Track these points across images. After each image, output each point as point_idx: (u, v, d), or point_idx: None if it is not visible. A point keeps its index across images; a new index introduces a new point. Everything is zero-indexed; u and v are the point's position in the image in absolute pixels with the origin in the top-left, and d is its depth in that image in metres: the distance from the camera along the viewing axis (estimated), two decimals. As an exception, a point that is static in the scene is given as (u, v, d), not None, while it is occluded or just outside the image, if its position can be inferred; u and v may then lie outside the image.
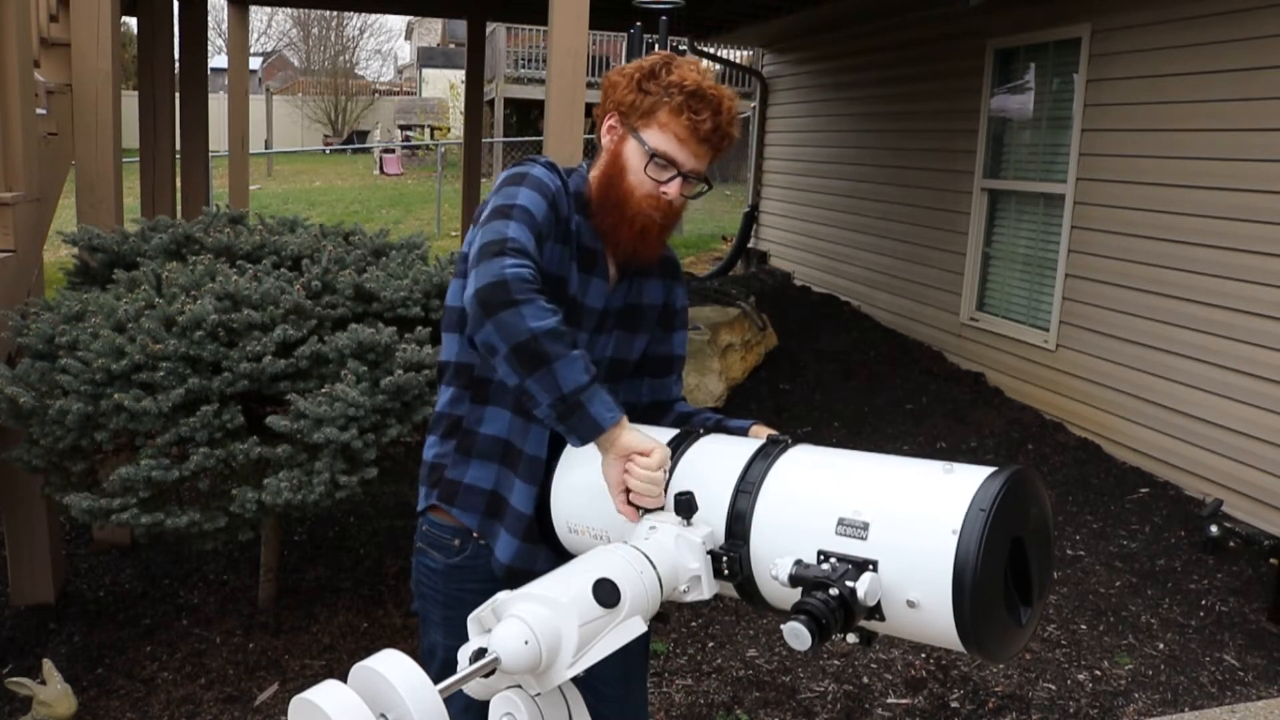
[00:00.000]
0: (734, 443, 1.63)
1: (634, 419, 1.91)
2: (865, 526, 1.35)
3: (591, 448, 1.61)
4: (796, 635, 1.25)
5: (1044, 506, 1.44)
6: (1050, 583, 1.47)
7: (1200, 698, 3.33)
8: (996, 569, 1.31)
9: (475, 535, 1.82)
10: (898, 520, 1.35)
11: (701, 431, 1.68)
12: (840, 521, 1.36)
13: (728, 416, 1.89)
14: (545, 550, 1.80)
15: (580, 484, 1.66)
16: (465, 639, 1.86)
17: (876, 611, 1.33)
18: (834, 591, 1.28)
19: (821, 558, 1.36)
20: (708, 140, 1.72)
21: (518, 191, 1.68)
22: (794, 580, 1.33)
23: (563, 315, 1.58)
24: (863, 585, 1.29)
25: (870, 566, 1.32)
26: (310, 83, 29.04)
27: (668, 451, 1.57)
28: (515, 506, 1.79)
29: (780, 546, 1.40)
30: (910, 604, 1.31)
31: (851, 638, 1.37)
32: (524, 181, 1.70)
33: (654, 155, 1.71)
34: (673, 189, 1.73)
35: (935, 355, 7.16)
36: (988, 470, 1.36)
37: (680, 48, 5.98)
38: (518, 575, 1.80)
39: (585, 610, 1.31)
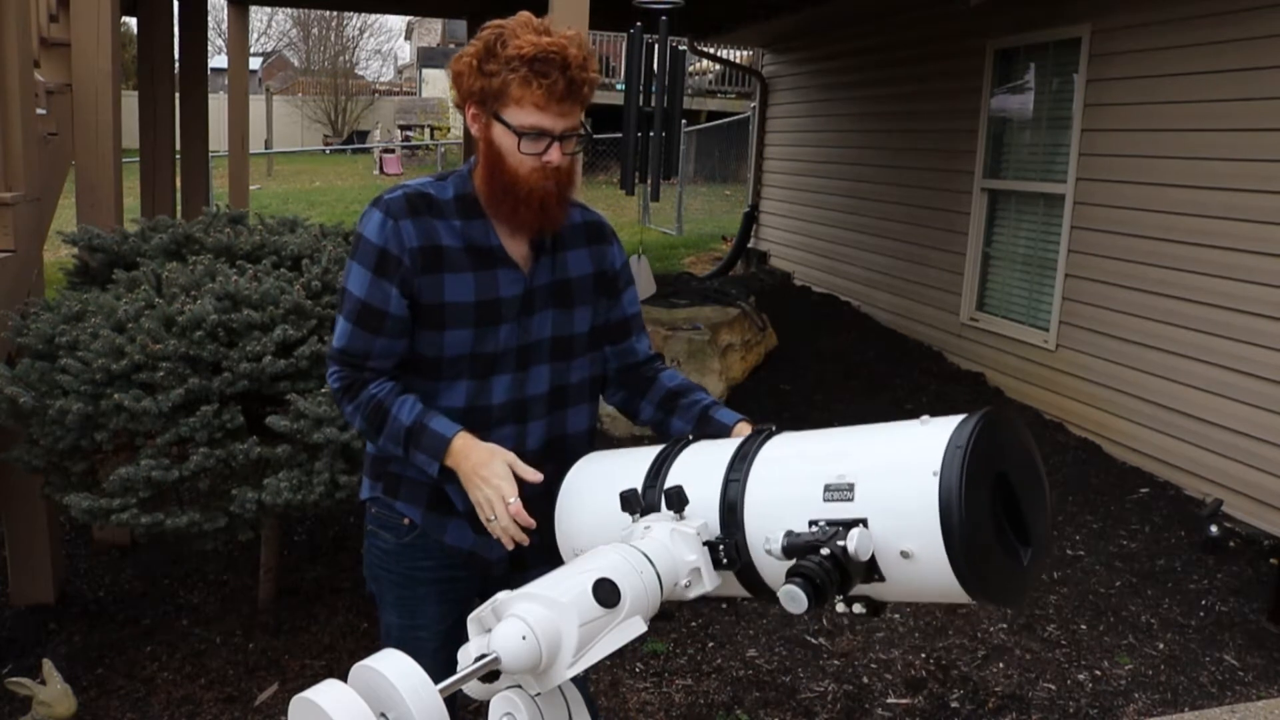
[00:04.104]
0: (719, 443, 1.65)
1: (608, 387, 1.98)
2: (851, 487, 1.35)
3: (582, 478, 1.68)
4: (792, 598, 1.25)
5: (1025, 441, 1.45)
6: (1051, 524, 1.48)
7: (1200, 698, 3.34)
8: (984, 506, 1.31)
9: (418, 528, 1.86)
10: (880, 473, 1.36)
11: (690, 438, 1.69)
12: (827, 488, 1.37)
13: (718, 405, 1.87)
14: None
15: (579, 510, 1.68)
16: (417, 618, 1.90)
17: (875, 571, 1.33)
18: (825, 551, 1.28)
19: (812, 525, 1.36)
20: (566, 98, 1.67)
21: (350, 272, 1.76)
22: (787, 551, 1.33)
23: (398, 371, 1.78)
24: (853, 540, 1.28)
25: (860, 525, 1.32)
26: (310, 83, 29.06)
27: (512, 488, 1.67)
28: (456, 504, 1.82)
29: (774, 526, 1.40)
30: (905, 555, 1.31)
31: (858, 608, 1.37)
32: (355, 254, 1.76)
33: (522, 134, 1.67)
34: (554, 155, 1.70)
35: (935, 355, 7.16)
36: (962, 416, 1.38)
37: (680, 48, 5.97)
38: (476, 557, 1.85)
39: (585, 610, 1.30)
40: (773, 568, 1.41)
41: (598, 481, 1.71)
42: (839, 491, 1.36)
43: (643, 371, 1.96)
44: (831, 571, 1.26)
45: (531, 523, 1.66)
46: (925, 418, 1.42)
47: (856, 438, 1.48)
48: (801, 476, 1.43)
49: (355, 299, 1.74)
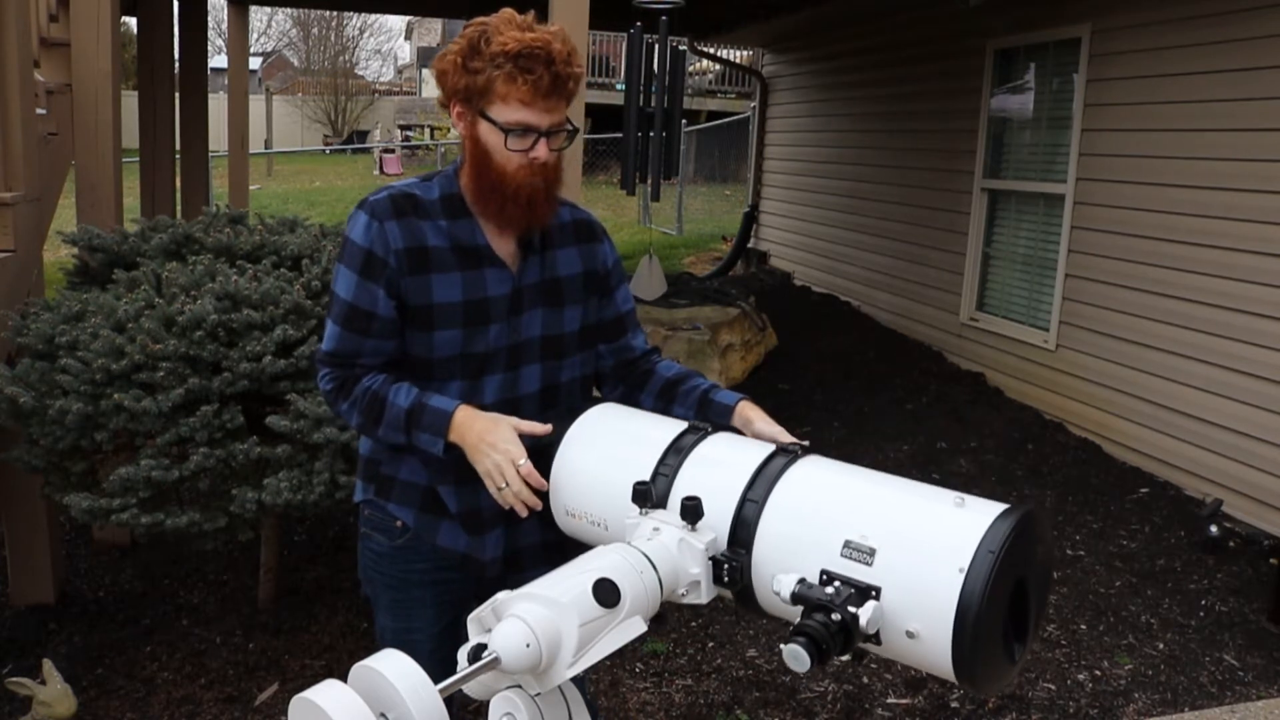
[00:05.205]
0: (743, 447, 1.60)
1: (606, 384, 1.98)
2: (872, 553, 1.34)
3: (590, 431, 1.64)
4: (796, 658, 1.25)
5: (1049, 547, 1.44)
6: (1043, 619, 1.47)
7: (1200, 698, 3.34)
8: (999, 610, 1.31)
9: (411, 531, 1.85)
10: (905, 551, 1.33)
11: (710, 429, 1.65)
12: (847, 544, 1.35)
13: (717, 388, 1.87)
14: (493, 535, 1.83)
15: (580, 469, 1.65)
16: (411, 621, 1.90)
17: (874, 637, 1.33)
18: (836, 616, 1.28)
19: (825, 578, 1.35)
20: (552, 93, 1.67)
21: (337, 275, 1.77)
22: (796, 599, 1.32)
23: (389, 368, 1.77)
24: (865, 613, 1.28)
25: (873, 593, 1.31)
26: (310, 83, 29.07)
27: (521, 451, 1.66)
28: (448, 506, 1.82)
29: (784, 561, 1.39)
30: (909, 634, 1.30)
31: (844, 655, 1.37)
32: (342, 257, 1.77)
33: (508, 130, 1.67)
34: (540, 151, 1.70)
35: (935, 355, 7.16)
36: (999, 508, 1.35)
37: (680, 48, 5.97)
38: (469, 559, 1.85)
39: (585, 610, 1.30)
40: (770, 597, 1.41)
41: (606, 449, 1.67)
42: (858, 552, 1.34)
43: (640, 365, 1.96)
44: (837, 635, 1.27)
45: (544, 484, 1.65)
46: (961, 497, 1.39)
47: (888, 499, 1.44)
48: (822, 522, 1.41)
49: (343, 302, 1.75)
